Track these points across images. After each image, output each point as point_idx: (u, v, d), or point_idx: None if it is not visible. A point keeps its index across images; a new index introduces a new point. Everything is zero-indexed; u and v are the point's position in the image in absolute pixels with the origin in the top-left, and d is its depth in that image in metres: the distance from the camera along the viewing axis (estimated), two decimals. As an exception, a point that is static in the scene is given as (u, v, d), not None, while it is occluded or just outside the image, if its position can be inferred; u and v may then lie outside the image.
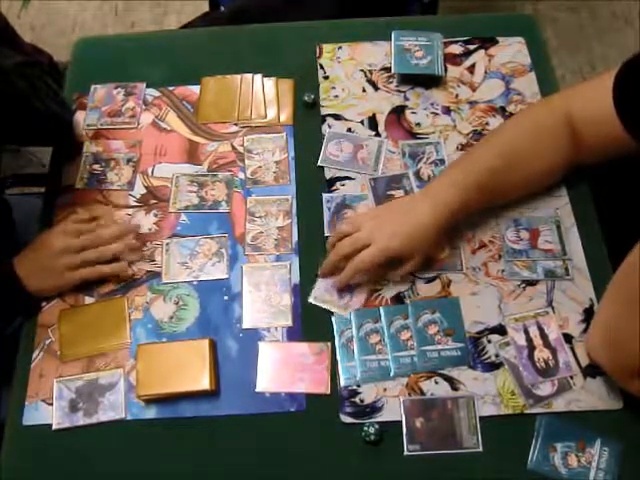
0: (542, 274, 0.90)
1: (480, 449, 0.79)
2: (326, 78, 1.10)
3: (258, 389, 0.84)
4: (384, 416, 0.81)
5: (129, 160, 1.03)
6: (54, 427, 0.83)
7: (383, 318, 0.87)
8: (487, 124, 1.03)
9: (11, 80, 0.90)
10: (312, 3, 1.39)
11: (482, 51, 1.11)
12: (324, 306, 0.89)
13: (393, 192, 0.97)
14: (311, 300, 0.90)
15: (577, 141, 0.89)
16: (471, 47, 1.12)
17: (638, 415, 0.80)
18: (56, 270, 0.88)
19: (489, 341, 0.86)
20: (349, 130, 1.04)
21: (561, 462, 0.78)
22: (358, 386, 0.83)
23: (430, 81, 1.08)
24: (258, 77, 1.10)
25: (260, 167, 1.01)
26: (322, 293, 0.90)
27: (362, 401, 0.83)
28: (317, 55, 1.13)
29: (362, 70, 1.10)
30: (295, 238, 0.95)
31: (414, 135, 1.03)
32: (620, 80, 0.83)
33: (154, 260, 0.94)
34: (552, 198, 0.96)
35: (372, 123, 1.04)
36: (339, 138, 1.03)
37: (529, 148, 0.89)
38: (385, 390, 0.83)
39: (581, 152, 0.90)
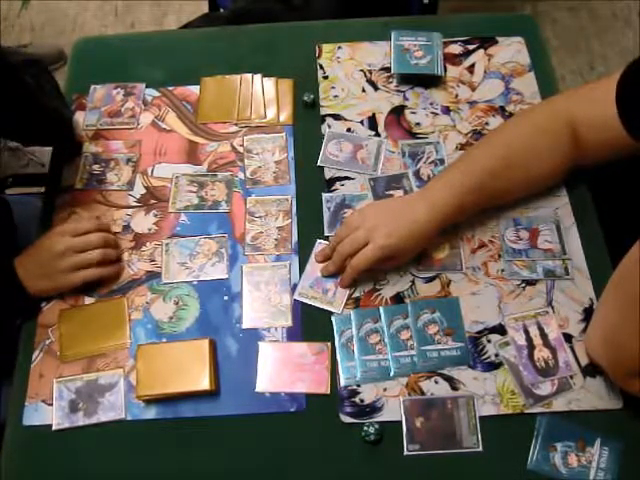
0: (542, 274, 0.90)
1: (480, 449, 0.79)
2: (326, 78, 1.10)
3: (258, 389, 0.84)
4: (384, 416, 0.81)
5: (129, 160, 1.03)
6: (54, 427, 0.83)
7: (383, 318, 0.87)
8: (487, 124, 1.03)
9: (19, 76, 0.90)
10: (312, 8, 1.39)
11: (482, 51, 1.11)
12: (309, 302, 0.89)
13: (393, 192, 0.97)
14: (296, 297, 0.90)
15: (578, 143, 0.89)
16: (471, 47, 1.12)
17: (638, 415, 0.80)
18: (57, 272, 0.88)
19: (489, 341, 0.86)
20: (349, 130, 1.04)
21: (561, 462, 0.78)
22: (358, 386, 0.83)
23: (430, 81, 1.08)
24: (258, 77, 1.10)
25: (260, 167, 1.01)
26: (307, 289, 0.90)
27: (362, 401, 0.83)
28: (317, 55, 1.13)
29: (362, 70, 1.10)
30: (295, 238, 0.95)
31: (414, 135, 1.03)
32: (623, 83, 0.82)
33: (154, 260, 0.94)
34: (552, 198, 0.96)
35: (372, 123, 1.04)
36: (339, 138, 1.03)
37: (528, 150, 0.89)
38: (385, 390, 0.83)
39: (582, 155, 0.90)
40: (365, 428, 0.80)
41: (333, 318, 0.88)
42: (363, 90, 1.08)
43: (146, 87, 1.11)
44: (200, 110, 1.08)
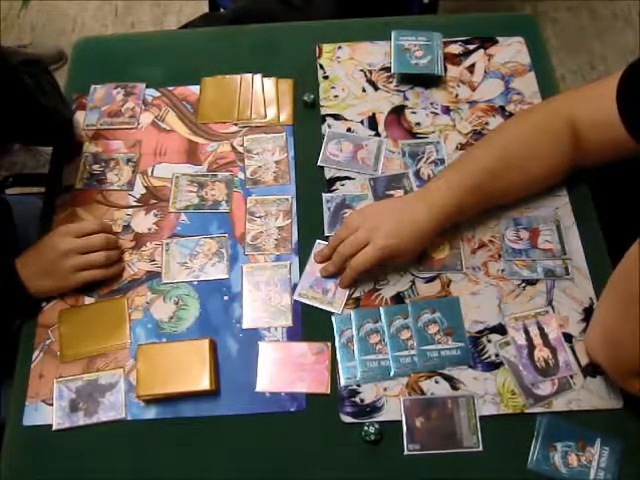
0: (542, 273, 0.90)
1: (480, 449, 0.79)
2: (326, 78, 1.10)
3: (258, 389, 0.84)
4: (384, 416, 0.82)
5: (129, 160, 1.03)
6: (54, 427, 0.83)
7: (383, 318, 0.87)
8: (487, 124, 1.03)
9: (19, 76, 0.90)
10: (312, 8, 1.39)
11: (482, 51, 1.11)
12: (309, 302, 0.89)
13: (393, 192, 0.97)
14: (295, 297, 0.90)
15: (578, 144, 0.89)
16: (471, 47, 1.12)
17: (638, 414, 0.80)
18: (60, 272, 0.88)
19: (489, 340, 0.86)
20: (349, 130, 1.04)
21: (561, 461, 0.78)
22: (358, 386, 0.83)
23: (430, 81, 1.08)
24: (258, 77, 1.10)
25: (260, 167, 1.01)
26: (307, 289, 0.90)
27: (362, 401, 0.83)
28: (317, 55, 1.13)
29: (362, 70, 1.10)
30: (295, 238, 0.95)
31: (414, 135, 1.03)
32: (624, 83, 0.82)
33: (154, 260, 0.94)
34: (552, 198, 0.96)
35: (372, 123, 1.04)
36: (339, 138, 1.03)
37: (528, 150, 0.89)
38: (385, 390, 0.83)
39: (582, 155, 0.90)
40: (365, 428, 0.80)
41: (333, 318, 0.88)
42: (363, 90, 1.08)
43: (146, 87, 1.11)
44: (200, 110, 1.08)
